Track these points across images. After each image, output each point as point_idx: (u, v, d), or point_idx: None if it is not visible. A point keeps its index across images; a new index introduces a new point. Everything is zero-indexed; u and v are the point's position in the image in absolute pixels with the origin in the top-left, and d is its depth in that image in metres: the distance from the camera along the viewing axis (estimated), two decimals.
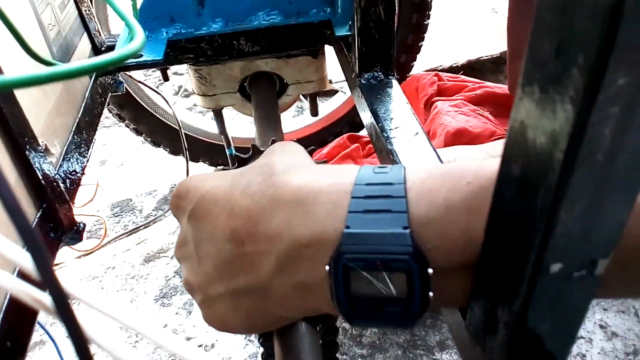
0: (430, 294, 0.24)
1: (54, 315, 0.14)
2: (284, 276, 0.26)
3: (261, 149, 0.45)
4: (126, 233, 0.94)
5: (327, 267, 0.24)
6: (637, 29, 0.14)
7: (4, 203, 0.13)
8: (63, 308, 0.13)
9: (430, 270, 0.23)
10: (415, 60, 0.94)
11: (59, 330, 0.77)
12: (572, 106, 0.17)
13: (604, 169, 0.18)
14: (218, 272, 0.27)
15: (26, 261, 0.15)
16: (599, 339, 0.68)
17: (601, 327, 0.69)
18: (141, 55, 0.64)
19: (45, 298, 0.15)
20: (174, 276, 0.85)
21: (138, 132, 0.98)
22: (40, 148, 0.40)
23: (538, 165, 0.19)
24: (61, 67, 0.15)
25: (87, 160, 0.51)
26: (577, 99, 0.16)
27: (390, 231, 0.23)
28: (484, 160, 0.24)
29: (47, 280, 0.13)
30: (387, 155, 0.43)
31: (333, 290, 0.24)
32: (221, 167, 1.07)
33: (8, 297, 0.33)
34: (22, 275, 0.19)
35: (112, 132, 1.27)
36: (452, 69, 1.24)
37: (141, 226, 0.96)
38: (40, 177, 0.39)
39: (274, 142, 0.43)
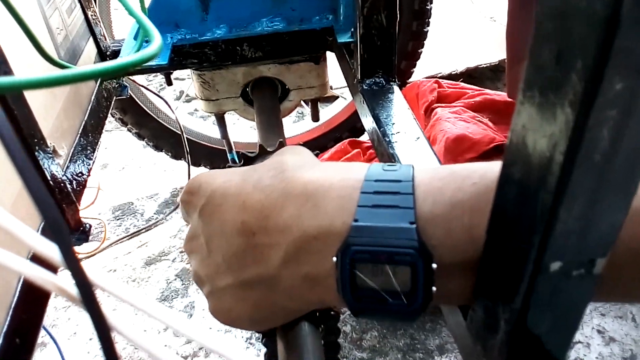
0: (433, 289, 0.25)
1: (78, 304, 0.14)
2: (292, 267, 0.26)
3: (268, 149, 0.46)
4: (127, 236, 0.95)
5: (334, 259, 0.25)
6: (633, 36, 0.15)
7: (33, 195, 0.14)
8: (88, 296, 0.13)
9: (434, 265, 0.24)
10: (415, 66, 0.95)
11: (61, 332, 0.77)
12: (571, 110, 0.17)
13: (602, 170, 0.18)
14: (227, 264, 0.28)
15: (49, 250, 0.15)
16: (596, 343, 0.68)
17: (599, 332, 0.69)
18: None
19: (70, 286, 0.15)
20: (175, 279, 0.86)
21: (140, 136, 0.99)
22: (48, 150, 0.41)
23: (538, 167, 0.19)
24: (86, 68, 0.15)
25: (93, 163, 0.52)
26: (576, 103, 0.17)
27: (397, 225, 0.24)
28: (490, 163, 0.25)
29: (74, 269, 0.13)
30: (389, 160, 0.44)
31: (339, 282, 0.25)
32: None
33: (17, 295, 0.34)
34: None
35: (113, 136, 1.27)
36: (451, 76, 1.25)
37: (142, 229, 0.96)
38: (49, 178, 0.40)
39: (281, 144, 0.44)
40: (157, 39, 0.18)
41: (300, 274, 0.26)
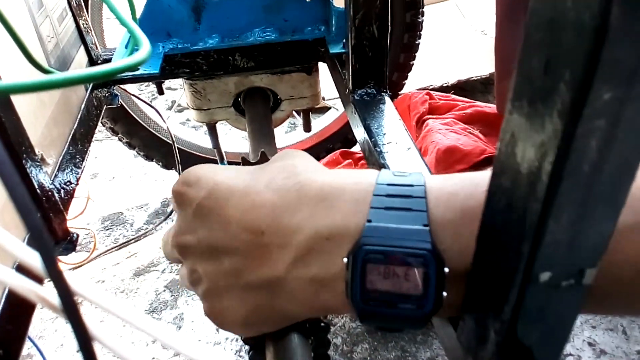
0: (444, 294, 0.24)
1: (59, 314, 0.14)
2: (300, 269, 0.26)
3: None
4: (116, 246, 0.94)
5: (345, 260, 0.24)
6: (621, 46, 0.15)
7: (15, 202, 0.13)
8: (69, 306, 0.13)
9: (446, 270, 0.24)
10: (406, 78, 0.96)
11: (48, 344, 0.76)
12: (559, 120, 0.17)
13: (590, 181, 0.18)
14: (231, 263, 0.28)
15: (33, 260, 0.15)
16: (587, 356, 0.68)
17: (590, 344, 0.69)
18: (138, 69, 0.65)
19: (51, 296, 0.15)
20: (164, 290, 0.85)
21: (131, 145, 0.99)
22: (36, 158, 0.40)
23: (527, 176, 0.19)
24: (73, 73, 0.15)
25: (82, 172, 0.51)
26: (565, 113, 0.17)
27: (411, 227, 0.24)
28: None
29: (55, 278, 0.13)
30: (380, 170, 0.44)
31: (348, 284, 0.24)
32: None
33: (1, 306, 0.33)
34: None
35: (104, 145, 1.27)
36: (442, 89, 1.26)
37: (132, 240, 0.95)
38: (36, 187, 0.39)
39: (263, 153, 0.44)
40: (145, 45, 0.18)
41: (307, 276, 0.26)
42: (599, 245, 0.21)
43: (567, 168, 0.18)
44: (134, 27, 0.24)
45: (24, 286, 0.15)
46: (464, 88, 1.25)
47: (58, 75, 0.16)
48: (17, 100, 0.38)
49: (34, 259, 0.15)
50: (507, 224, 0.21)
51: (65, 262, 0.88)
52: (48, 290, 0.15)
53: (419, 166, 0.43)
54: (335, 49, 0.68)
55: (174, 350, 0.16)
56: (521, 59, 0.19)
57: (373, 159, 0.46)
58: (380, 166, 0.44)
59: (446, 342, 0.31)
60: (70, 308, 0.13)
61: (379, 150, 0.46)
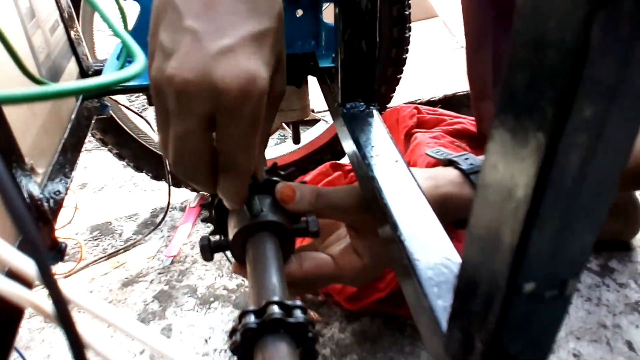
0: None
1: (52, 321, 0.14)
2: None
3: None
4: (105, 256, 0.93)
5: None
6: (601, 65, 0.16)
7: (11, 211, 0.14)
8: (63, 313, 0.13)
9: None
10: (394, 91, 0.97)
11: (35, 354, 0.75)
12: (542, 134, 0.18)
13: (572, 193, 0.19)
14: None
15: (25, 265, 0.15)
16: None
17: (575, 355, 0.70)
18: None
19: (44, 303, 0.15)
20: (153, 301, 0.84)
21: (121, 156, 0.98)
22: (26, 167, 0.40)
23: (511, 189, 0.20)
24: (70, 84, 0.16)
25: (71, 181, 0.51)
26: (548, 128, 0.18)
27: None
28: None
29: (50, 286, 0.13)
30: (369, 182, 0.44)
31: None
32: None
33: None
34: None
35: (93, 155, 1.26)
36: (430, 103, 1.27)
37: (120, 250, 0.95)
38: (26, 196, 0.39)
39: None
40: (140, 58, 0.19)
41: None
42: (581, 257, 0.22)
43: (550, 181, 0.18)
44: (128, 39, 0.25)
45: (16, 293, 0.15)
46: (451, 102, 1.27)
47: (52, 87, 0.17)
48: (7, 109, 0.38)
49: (26, 265, 0.15)
50: (492, 236, 0.22)
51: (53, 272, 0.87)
52: (40, 297, 0.15)
53: (406, 178, 0.44)
54: (325, 63, 0.69)
55: (166, 358, 0.17)
56: (507, 75, 0.20)
57: (362, 171, 0.47)
58: (369, 178, 0.45)
59: (433, 352, 0.32)
60: (63, 315, 0.13)
61: (367, 162, 0.46)
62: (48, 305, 0.14)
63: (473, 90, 0.87)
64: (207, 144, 0.36)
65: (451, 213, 0.49)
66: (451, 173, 0.50)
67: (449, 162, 0.52)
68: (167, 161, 0.91)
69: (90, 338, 0.15)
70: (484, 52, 0.80)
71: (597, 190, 0.19)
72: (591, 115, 0.17)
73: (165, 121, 0.36)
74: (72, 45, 0.61)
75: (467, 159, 0.51)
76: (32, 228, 0.14)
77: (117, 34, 0.29)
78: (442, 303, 0.32)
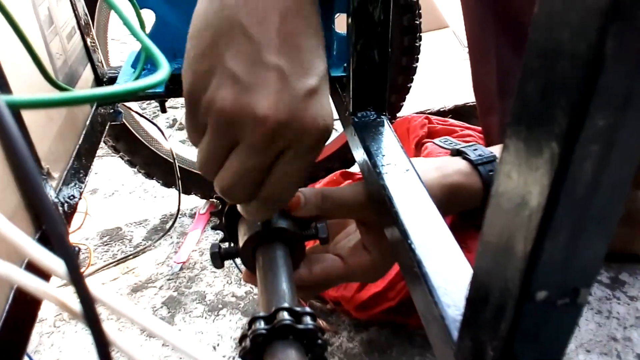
0: None
1: (79, 319, 0.15)
2: None
3: None
4: (114, 262, 0.94)
5: None
6: (615, 75, 0.16)
7: (39, 207, 0.14)
8: (90, 311, 0.14)
9: None
10: (404, 100, 0.97)
11: (44, 359, 0.75)
12: (556, 144, 0.18)
13: (585, 202, 0.19)
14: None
15: (49, 260, 0.15)
16: None
17: None
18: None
19: (70, 300, 0.16)
20: (162, 307, 0.85)
21: (132, 164, 0.99)
22: (43, 172, 0.41)
23: (525, 197, 0.20)
24: (97, 90, 0.16)
25: (85, 186, 0.52)
26: (561, 137, 0.18)
27: None
28: None
29: (77, 283, 0.14)
30: (379, 191, 0.45)
31: None
32: (214, 199, 1.08)
33: (4, 317, 0.34)
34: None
35: (104, 161, 1.27)
36: (440, 113, 1.27)
37: (130, 255, 0.96)
38: None
39: None
40: (165, 67, 0.19)
41: None
42: (593, 265, 0.22)
43: (564, 190, 0.19)
44: (151, 46, 0.25)
45: (42, 289, 0.16)
46: (461, 112, 1.27)
47: (80, 92, 0.17)
48: (26, 115, 0.39)
49: (49, 261, 0.15)
50: (504, 243, 0.22)
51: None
52: (66, 294, 0.16)
53: (416, 187, 0.44)
54: (336, 73, 0.69)
55: (191, 357, 0.17)
56: (520, 84, 0.20)
57: (372, 179, 0.47)
58: (379, 187, 0.45)
59: (442, 358, 0.32)
60: (90, 313, 0.14)
61: (378, 171, 0.46)
62: (74, 303, 0.15)
63: (479, 103, 0.87)
64: (266, 174, 0.37)
65: (458, 204, 0.49)
66: (459, 163, 0.50)
67: (457, 152, 0.52)
68: (176, 169, 0.91)
69: (115, 336, 0.15)
70: (487, 65, 0.80)
71: (609, 198, 0.19)
72: (604, 125, 0.18)
73: (224, 146, 0.36)
74: (88, 52, 0.62)
75: (475, 149, 0.51)
76: (60, 222, 0.14)
77: (140, 40, 0.30)
78: (452, 311, 0.32)
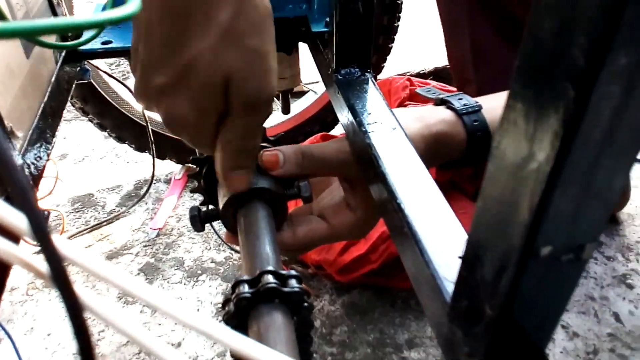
0: None
1: (47, 281, 0.13)
2: None
3: None
4: (88, 229, 0.91)
5: None
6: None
7: (2, 164, 0.12)
8: (57, 271, 0.12)
9: None
10: (385, 61, 0.95)
11: (17, 328, 0.73)
12: (571, 87, 0.17)
13: (599, 150, 0.18)
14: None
15: (15, 218, 0.13)
16: (560, 338, 0.69)
17: (563, 327, 0.70)
18: (111, 42, 0.63)
19: (37, 261, 0.14)
20: (138, 274, 0.83)
21: (102, 127, 0.95)
22: (6, 130, 0.38)
23: (535, 144, 0.19)
24: (62, 20, 0.14)
25: (52, 147, 0.49)
26: (578, 79, 0.16)
27: None
28: None
29: (43, 241, 0.12)
30: (365, 150, 0.43)
31: None
32: (190, 163, 1.05)
33: None
34: None
35: (73, 126, 1.23)
36: (420, 75, 1.26)
37: (103, 222, 0.93)
38: None
39: None
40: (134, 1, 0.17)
41: None
42: (601, 220, 0.21)
43: (578, 138, 0.17)
44: None
45: (5, 249, 0.14)
46: (441, 75, 1.25)
47: (42, 21, 0.15)
48: None
49: (14, 218, 0.13)
50: (507, 198, 0.21)
51: (34, 245, 0.85)
52: (31, 254, 0.14)
53: (404, 146, 0.43)
54: (318, 28, 0.66)
55: (174, 319, 0.15)
56: (531, 23, 0.18)
57: (358, 139, 0.46)
58: (365, 146, 0.43)
59: (436, 321, 0.31)
60: (58, 273, 0.12)
61: (364, 130, 0.45)
62: (41, 264, 0.13)
63: (454, 74, 0.86)
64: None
65: (442, 154, 0.48)
66: (443, 112, 0.48)
67: (442, 102, 0.50)
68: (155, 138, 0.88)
69: (89, 299, 0.13)
70: (460, 39, 0.78)
71: (624, 145, 0.18)
72: (626, 64, 0.16)
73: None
74: (52, 6, 0.58)
75: (460, 99, 0.49)
76: (23, 177, 0.12)
77: None
78: (444, 271, 0.31)
